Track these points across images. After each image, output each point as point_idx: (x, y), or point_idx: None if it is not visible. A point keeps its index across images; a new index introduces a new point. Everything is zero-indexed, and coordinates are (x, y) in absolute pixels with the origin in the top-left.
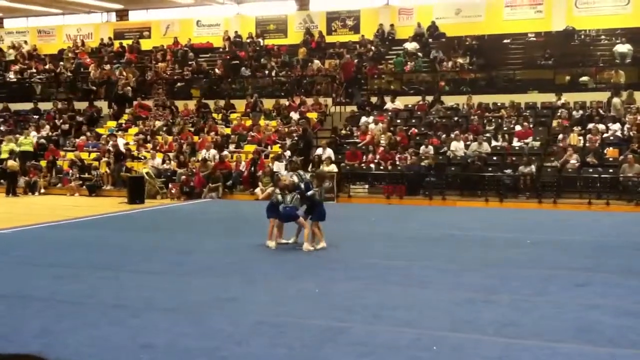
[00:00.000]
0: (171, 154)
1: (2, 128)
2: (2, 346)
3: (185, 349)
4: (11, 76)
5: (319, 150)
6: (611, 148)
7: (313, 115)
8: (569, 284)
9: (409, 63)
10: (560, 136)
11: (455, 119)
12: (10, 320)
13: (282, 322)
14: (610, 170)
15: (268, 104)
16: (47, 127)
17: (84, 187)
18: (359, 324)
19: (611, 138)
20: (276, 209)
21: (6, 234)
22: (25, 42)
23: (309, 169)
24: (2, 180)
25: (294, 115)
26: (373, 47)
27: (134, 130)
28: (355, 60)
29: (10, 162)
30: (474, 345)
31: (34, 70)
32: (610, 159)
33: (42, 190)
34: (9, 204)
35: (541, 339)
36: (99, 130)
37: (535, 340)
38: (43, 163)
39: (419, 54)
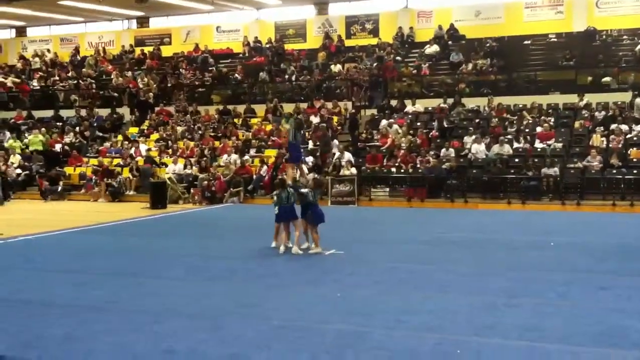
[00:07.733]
0: (192, 159)
1: (26, 135)
2: (25, 353)
3: (207, 354)
4: (34, 84)
5: (337, 154)
6: (635, 149)
7: (334, 119)
8: (592, 287)
9: (422, 65)
10: None
11: (477, 121)
12: (33, 326)
13: (302, 327)
14: (635, 172)
15: (288, 108)
16: (71, 134)
17: (107, 192)
18: (379, 329)
19: (635, 139)
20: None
21: (29, 239)
22: (48, 50)
23: (329, 171)
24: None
25: (314, 119)
26: (392, 50)
27: (155, 136)
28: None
29: None
30: (496, 350)
31: (56, 78)
32: (634, 160)
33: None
34: (33, 211)
35: (565, 343)
36: (121, 137)
37: (559, 345)
38: (69, 170)
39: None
